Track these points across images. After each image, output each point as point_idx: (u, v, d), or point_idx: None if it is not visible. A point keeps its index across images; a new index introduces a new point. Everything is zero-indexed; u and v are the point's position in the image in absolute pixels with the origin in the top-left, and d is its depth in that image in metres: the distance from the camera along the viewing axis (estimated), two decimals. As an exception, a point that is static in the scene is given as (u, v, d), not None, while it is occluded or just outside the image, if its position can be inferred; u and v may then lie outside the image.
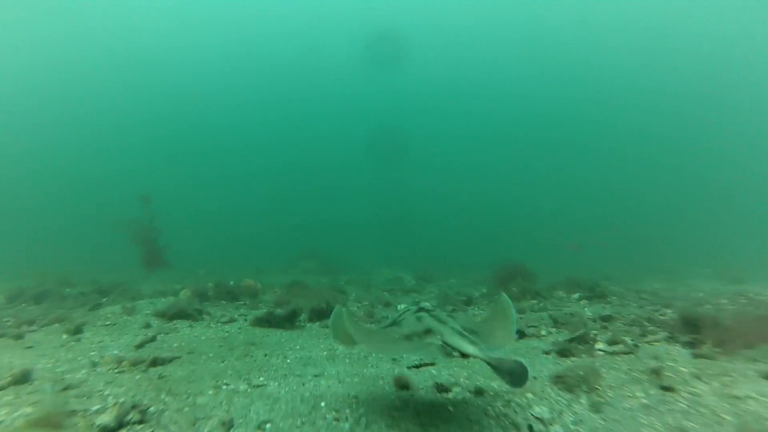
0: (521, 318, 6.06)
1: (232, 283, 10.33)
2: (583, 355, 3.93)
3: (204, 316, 6.13)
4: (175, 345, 4.42)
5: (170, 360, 3.79)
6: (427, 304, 3.38)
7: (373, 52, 53.51)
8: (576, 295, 8.12)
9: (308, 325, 5.97)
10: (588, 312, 6.28)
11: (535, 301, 7.97)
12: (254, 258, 23.87)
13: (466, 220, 43.70)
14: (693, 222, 31.70)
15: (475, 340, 2.19)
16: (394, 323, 2.56)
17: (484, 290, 10.60)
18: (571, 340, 4.29)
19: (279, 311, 5.68)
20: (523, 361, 1.95)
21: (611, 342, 4.23)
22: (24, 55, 47.45)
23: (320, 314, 6.37)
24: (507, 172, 54.60)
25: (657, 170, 44.65)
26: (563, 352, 4.04)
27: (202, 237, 35.91)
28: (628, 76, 51.72)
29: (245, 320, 5.92)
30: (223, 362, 3.83)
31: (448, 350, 2.12)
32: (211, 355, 3.99)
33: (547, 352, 4.18)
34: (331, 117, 60.08)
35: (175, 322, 5.53)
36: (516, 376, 1.85)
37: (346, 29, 54.33)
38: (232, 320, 5.97)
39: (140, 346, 4.38)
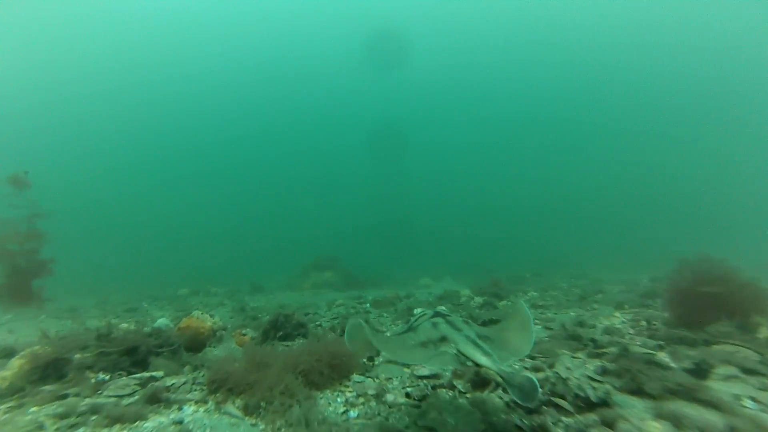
0: None
1: (155, 325, 5.38)
2: None
3: None
4: None
5: None
6: (443, 308, 2.75)
7: (373, 53, 51.36)
8: None
9: None
10: None
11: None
12: (261, 270, 19.76)
13: (498, 220, 40.50)
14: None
15: (489, 350, 2.06)
16: (411, 329, 2.43)
17: (617, 316, 5.87)
18: None
19: None
20: (533, 377, 1.78)
21: None
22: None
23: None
24: (517, 168, 51.95)
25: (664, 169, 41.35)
26: None
27: (204, 249, 32.36)
28: (629, 76, 49.24)
29: None
30: None
31: (461, 359, 2.04)
32: None
33: None
34: (333, 119, 57.53)
35: None
36: (526, 392, 1.75)
37: (346, 31, 51.82)
38: None
39: None
